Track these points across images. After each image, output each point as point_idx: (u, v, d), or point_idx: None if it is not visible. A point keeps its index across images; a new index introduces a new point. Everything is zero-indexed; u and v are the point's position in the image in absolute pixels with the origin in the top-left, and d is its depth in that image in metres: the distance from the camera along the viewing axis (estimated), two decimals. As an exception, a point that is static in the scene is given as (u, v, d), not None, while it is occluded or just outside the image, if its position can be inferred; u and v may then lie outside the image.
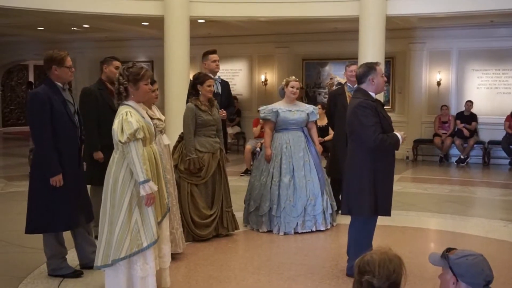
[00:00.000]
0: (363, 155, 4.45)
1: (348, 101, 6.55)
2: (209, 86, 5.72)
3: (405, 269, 2.23)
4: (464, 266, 2.35)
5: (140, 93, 3.98)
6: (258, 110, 6.57)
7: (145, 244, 3.84)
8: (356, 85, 6.71)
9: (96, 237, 4.14)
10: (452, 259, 2.39)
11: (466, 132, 12.13)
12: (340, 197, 6.64)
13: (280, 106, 6.35)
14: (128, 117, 3.81)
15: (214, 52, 6.54)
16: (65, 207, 4.54)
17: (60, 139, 4.51)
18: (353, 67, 6.89)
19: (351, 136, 4.57)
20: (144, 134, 3.87)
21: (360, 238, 4.55)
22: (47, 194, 4.50)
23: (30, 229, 4.62)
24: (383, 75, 4.63)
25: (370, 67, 4.57)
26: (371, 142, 4.36)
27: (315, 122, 6.62)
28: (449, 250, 2.44)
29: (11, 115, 20.36)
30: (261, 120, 9.82)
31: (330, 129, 8.75)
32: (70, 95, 4.69)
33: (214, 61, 6.47)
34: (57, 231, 4.68)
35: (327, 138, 9.09)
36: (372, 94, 4.53)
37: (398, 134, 4.48)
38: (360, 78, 4.57)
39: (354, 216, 4.64)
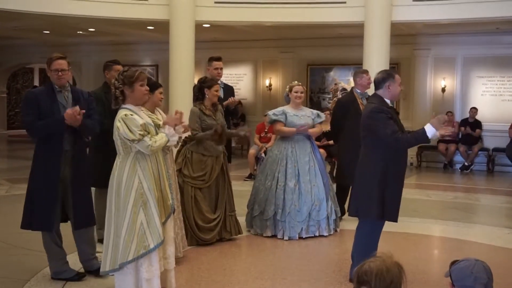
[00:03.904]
0: (375, 159, 4.44)
1: (361, 107, 6.51)
2: (216, 91, 5.77)
3: (405, 277, 2.17)
4: (456, 271, 2.42)
5: (136, 94, 3.97)
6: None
7: (152, 246, 3.85)
8: (366, 91, 6.76)
9: (100, 241, 4.13)
10: (451, 268, 2.46)
11: (474, 132, 12.07)
12: (344, 203, 6.63)
13: (287, 110, 6.37)
14: (129, 116, 3.84)
15: (218, 59, 6.59)
16: (41, 207, 4.57)
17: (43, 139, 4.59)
18: (369, 75, 6.79)
19: (364, 140, 4.57)
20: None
21: (366, 243, 4.52)
22: (29, 192, 4.62)
23: (21, 224, 4.72)
24: (401, 84, 4.62)
25: (389, 74, 4.58)
26: (389, 136, 4.30)
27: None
28: (455, 262, 2.50)
29: (16, 118, 20.42)
30: (265, 123, 9.87)
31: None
32: (66, 98, 4.64)
33: (216, 68, 6.57)
34: (34, 230, 4.71)
35: (331, 142, 9.07)
36: (388, 101, 4.54)
37: (431, 128, 4.56)
38: (378, 83, 4.57)
39: (362, 220, 4.63)
